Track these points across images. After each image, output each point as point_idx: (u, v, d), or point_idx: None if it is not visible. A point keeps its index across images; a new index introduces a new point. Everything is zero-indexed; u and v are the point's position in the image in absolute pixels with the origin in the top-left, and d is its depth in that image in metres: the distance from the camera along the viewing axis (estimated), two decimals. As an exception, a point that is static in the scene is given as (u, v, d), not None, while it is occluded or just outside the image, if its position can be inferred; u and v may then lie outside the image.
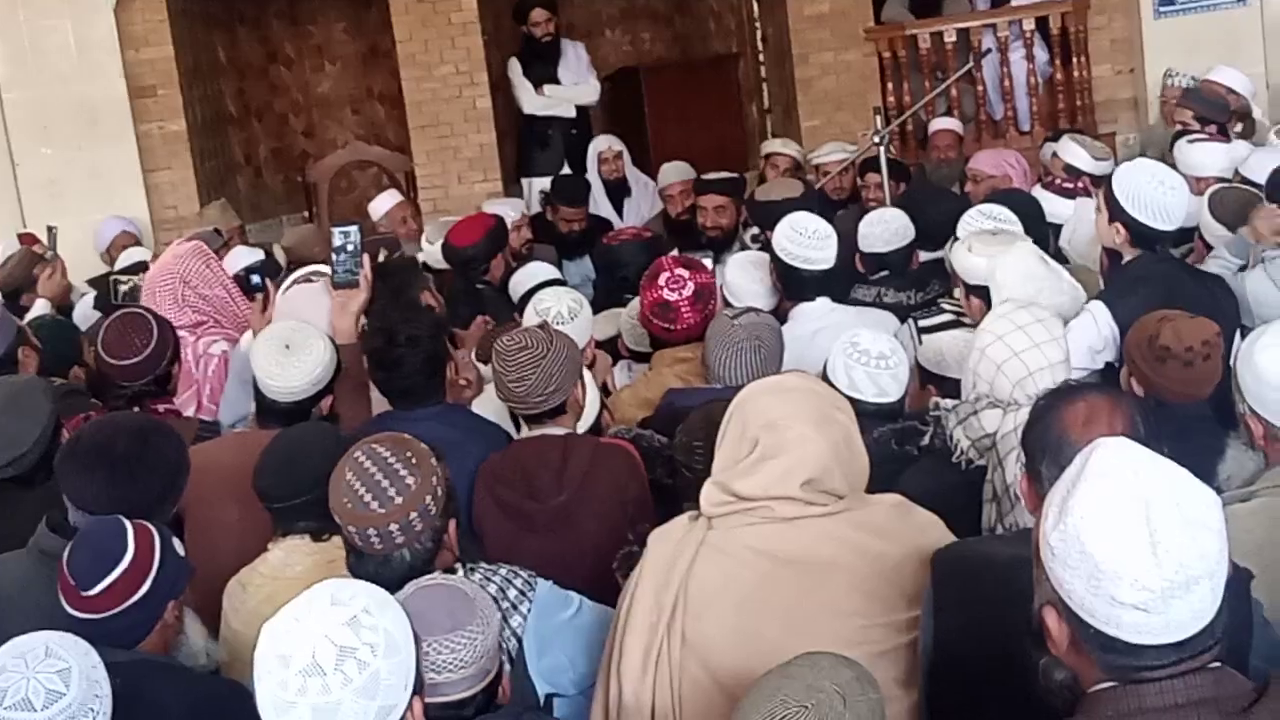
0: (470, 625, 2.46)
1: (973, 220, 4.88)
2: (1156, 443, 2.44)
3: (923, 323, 4.45)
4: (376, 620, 2.14)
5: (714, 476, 2.61)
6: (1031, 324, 3.45)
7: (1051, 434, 2.46)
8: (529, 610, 2.90)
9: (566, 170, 9.05)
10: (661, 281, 4.45)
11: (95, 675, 2.50)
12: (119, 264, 7.08)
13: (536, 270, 6.09)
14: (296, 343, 3.97)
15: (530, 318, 4.52)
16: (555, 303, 4.56)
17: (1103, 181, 6.19)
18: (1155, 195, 4.29)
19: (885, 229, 5.30)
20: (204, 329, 4.93)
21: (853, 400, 3.56)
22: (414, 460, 2.80)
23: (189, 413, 4.69)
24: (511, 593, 2.91)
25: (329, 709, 2.08)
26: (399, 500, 2.75)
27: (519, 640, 2.88)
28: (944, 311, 4.57)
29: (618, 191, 8.69)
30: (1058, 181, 6.08)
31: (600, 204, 8.59)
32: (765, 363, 3.98)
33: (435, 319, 4.16)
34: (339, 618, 2.13)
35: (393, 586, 2.54)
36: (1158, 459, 1.89)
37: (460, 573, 2.85)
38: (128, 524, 2.89)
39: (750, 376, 3.70)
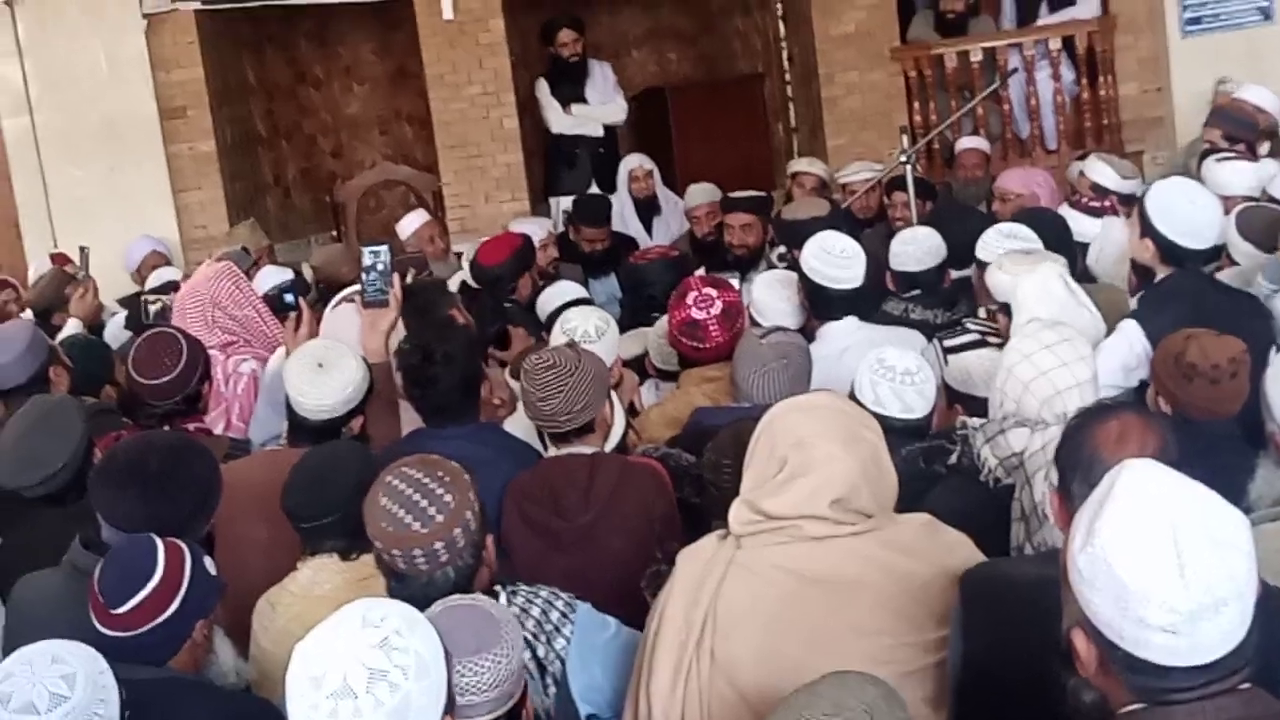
0: (496, 648, 2.45)
1: (992, 239, 4.88)
2: (1188, 463, 2.46)
3: (948, 342, 4.44)
4: (408, 642, 2.14)
5: (743, 495, 2.61)
6: (1059, 343, 3.45)
7: (1083, 452, 2.47)
8: (571, 633, 2.89)
9: (594, 189, 9.07)
10: (689, 301, 4.46)
11: (102, 681, 2.51)
12: (149, 284, 7.13)
13: (563, 289, 6.11)
14: (330, 361, 3.99)
15: (557, 337, 4.53)
16: (582, 322, 4.57)
17: (1129, 200, 6.21)
18: (1187, 213, 4.30)
19: (917, 248, 5.30)
20: (234, 348, 4.96)
21: (878, 416, 3.55)
22: (447, 478, 2.79)
23: (218, 431, 4.72)
24: (554, 615, 2.91)
25: None
26: (440, 518, 2.74)
27: (563, 662, 2.86)
28: (969, 331, 4.56)
29: (648, 210, 8.71)
30: (1085, 200, 6.06)
31: (630, 222, 8.61)
32: (794, 381, 3.99)
33: (471, 337, 4.18)
34: (370, 640, 2.13)
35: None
36: (1185, 480, 1.89)
37: (502, 594, 2.86)
38: (159, 542, 2.91)
39: (779, 395, 3.71)
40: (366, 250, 4.46)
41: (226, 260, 5.47)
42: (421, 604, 2.67)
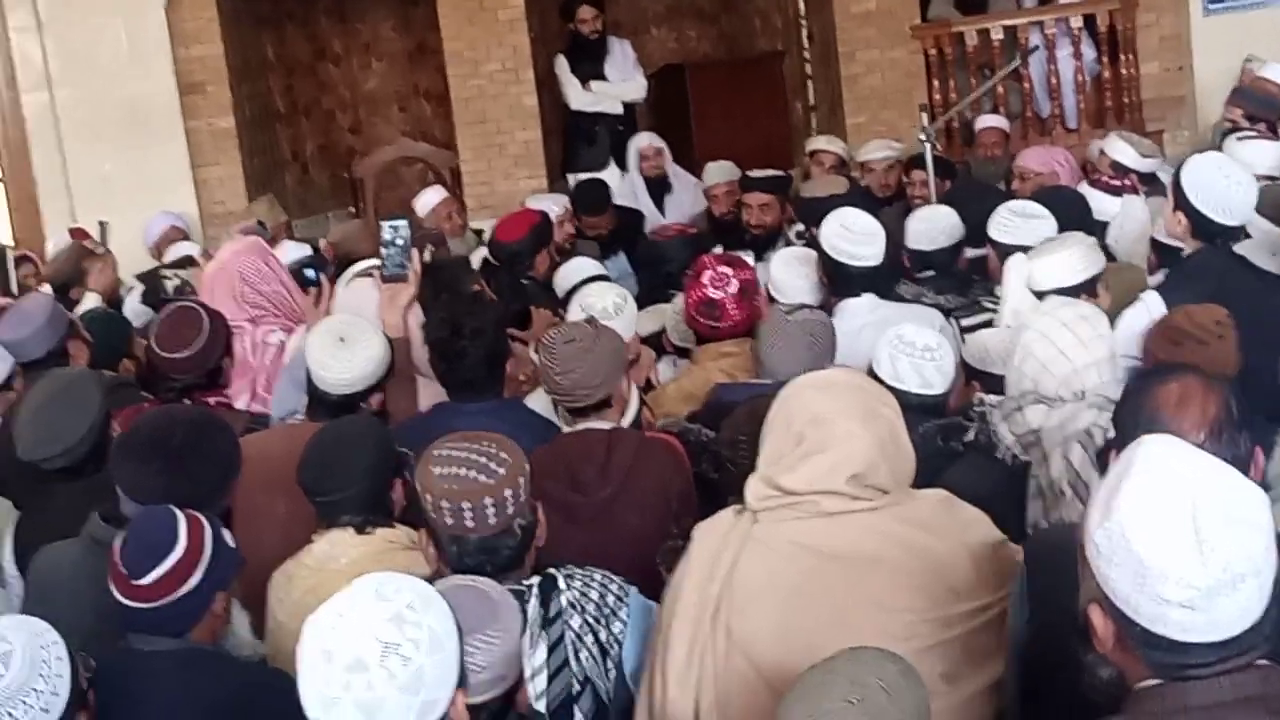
0: (489, 629, 2.42)
1: (1004, 218, 4.86)
2: (1248, 428, 2.48)
3: (965, 321, 4.44)
4: (420, 616, 2.13)
5: (759, 470, 2.61)
6: (1076, 320, 3.44)
7: (1144, 413, 2.48)
8: (628, 615, 2.87)
9: (613, 167, 9.06)
10: (705, 280, 4.45)
11: (43, 657, 2.49)
12: (167, 258, 7.15)
13: (581, 265, 6.10)
14: (352, 336, 4.00)
15: (575, 313, 4.52)
16: (600, 298, 4.56)
17: (1149, 179, 6.19)
18: (1220, 188, 4.29)
19: (932, 227, 5.28)
20: (263, 319, 4.96)
21: (896, 391, 3.55)
22: (493, 444, 2.78)
23: (242, 400, 4.73)
24: (610, 599, 2.87)
25: (373, 704, 2.08)
26: (503, 471, 2.72)
27: (619, 644, 2.83)
28: (984, 310, 4.56)
29: (660, 188, 8.69)
30: (1104, 179, 6.04)
31: (641, 201, 8.59)
32: (819, 359, 3.98)
33: (498, 313, 4.17)
34: (384, 613, 2.12)
35: (494, 569, 2.60)
36: (1204, 456, 1.89)
37: (560, 578, 2.82)
38: (179, 514, 2.92)
39: (803, 372, 3.71)
40: (386, 225, 4.46)
41: (255, 235, 5.47)
42: (481, 566, 2.68)
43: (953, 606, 2.49)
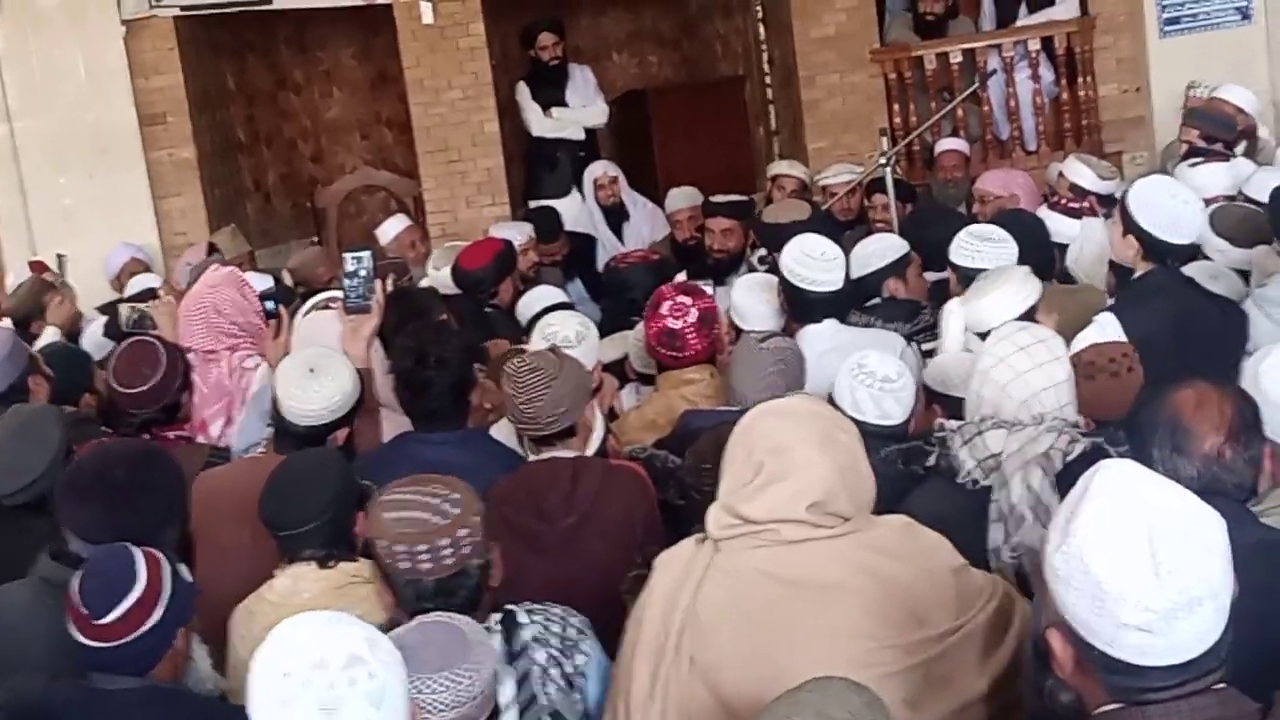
0: (460, 667, 2.42)
1: (965, 242, 4.87)
2: (1259, 431, 2.57)
3: (926, 346, 4.46)
4: (379, 656, 2.12)
5: (720, 499, 2.60)
6: (1033, 344, 3.46)
7: (1163, 417, 2.55)
8: (589, 648, 2.88)
9: (575, 194, 9.07)
10: (664, 310, 4.45)
11: None
12: (128, 290, 7.12)
13: (544, 294, 6.11)
14: (322, 368, 3.98)
15: (537, 341, 4.53)
16: (562, 326, 4.57)
17: (1108, 201, 6.23)
18: (1169, 208, 4.32)
19: (880, 249, 5.28)
20: (240, 346, 4.93)
21: (856, 421, 3.57)
22: (443, 486, 2.79)
23: (217, 426, 4.71)
24: (571, 631, 2.87)
25: (333, 702, 2.04)
26: (456, 511, 2.73)
27: (584, 676, 2.84)
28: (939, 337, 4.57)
29: (617, 216, 8.71)
30: (1063, 201, 6.08)
31: (600, 230, 8.61)
32: (789, 387, 3.99)
33: (465, 342, 4.16)
34: (355, 632, 2.12)
35: (451, 608, 2.58)
36: (1163, 480, 1.90)
37: (521, 613, 2.82)
38: (137, 552, 2.90)
39: (773, 399, 3.72)
40: (349, 256, 4.45)
41: (232, 266, 5.45)
42: (438, 605, 2.67)
43: (915, 633, 2.48)
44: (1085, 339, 4.16)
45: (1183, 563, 1.78)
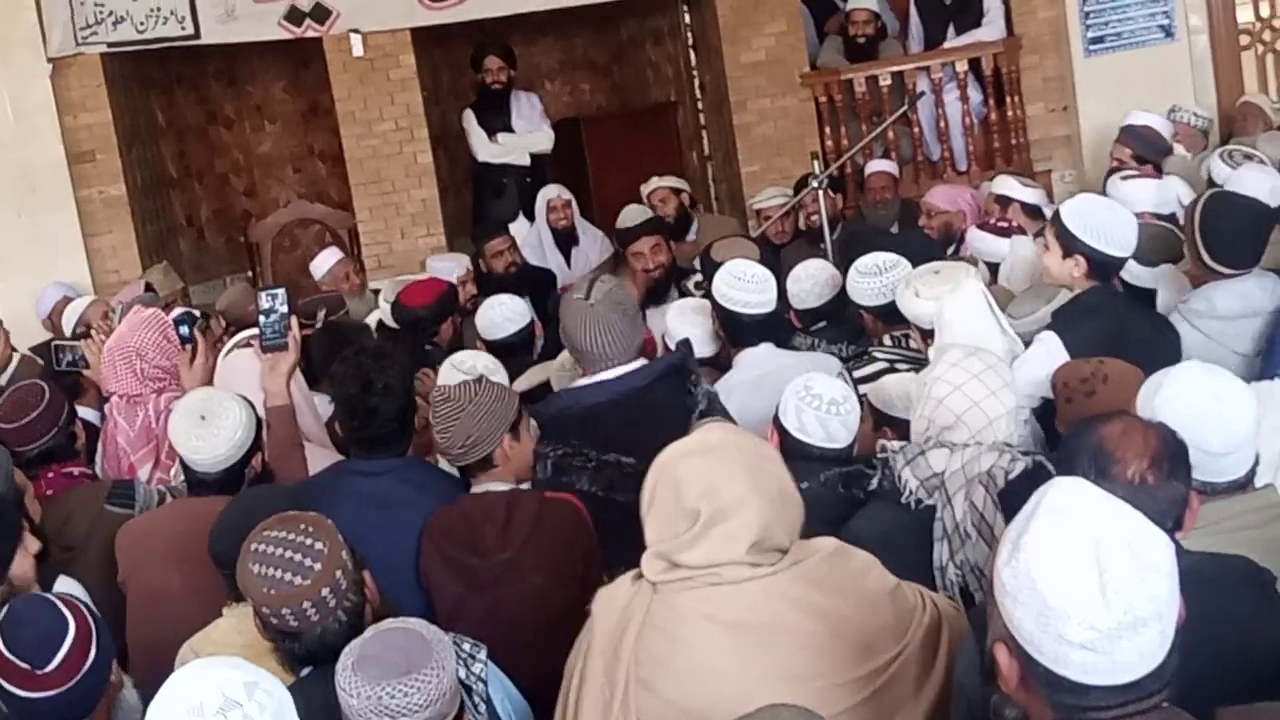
0: (425, 668, 2.49)
1: (855, 280, 4.90)
2: (1185, 467, 2.58)
3: (858, 373, 4.46)
4: (256, 699, 2.21)
5: (654, 548, 2.50)
6: (985, 371, 3.45)
7: (1088, 446, 2.59)
8: (485, 658, 2.92)
9: (522, 219, 9.05)
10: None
11: None
12: (65, 321, 7.06)
13: (507, 311, 6.01)
14: (211, 410, 3.93)
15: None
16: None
17: (1033, 211, 6.31)
18: (1111, 223, 4.32)
19: (813, 283, 5.29)
20: (166, 389, 4.91)
21: (801, 443, 3.61)
22: (310, 528, 2.84)
23: (145, 470, 4.72)
24: (466, 645, 2.90)
25: None
26: (318, 566, 2.78)
27: (484, 682, 2.89)
28: (875, 360, 4.58)
29: (566, 240, 8.70)
30: (994, 221, 6.15)
31: (549, 254, 8.59)
32: (634, 327, 3.86)
33: (407, 368, 4.12)
34: (224, 676, 2.22)
35: (335, 653, 2.60)
36: (1112, 500, 1.89)
37: None
38: (51, 597, 2.91)
39: (623, 344, 3.77)
40: (264, 294, 4.42)
41: (154, 309, 5.40)
42: (321, 655, 2.74)
43: (862, 666, 2.44)
44: (1029, 358, 4.19)
45: (1129, 583, 1.78)
